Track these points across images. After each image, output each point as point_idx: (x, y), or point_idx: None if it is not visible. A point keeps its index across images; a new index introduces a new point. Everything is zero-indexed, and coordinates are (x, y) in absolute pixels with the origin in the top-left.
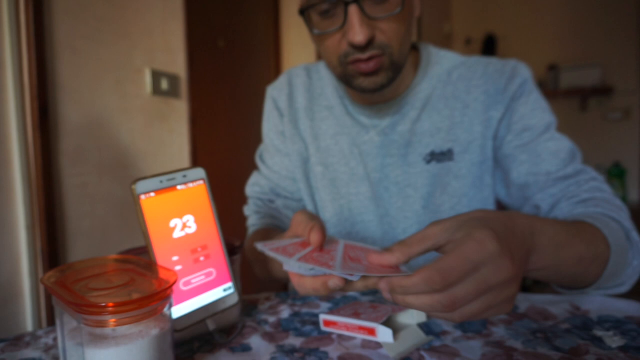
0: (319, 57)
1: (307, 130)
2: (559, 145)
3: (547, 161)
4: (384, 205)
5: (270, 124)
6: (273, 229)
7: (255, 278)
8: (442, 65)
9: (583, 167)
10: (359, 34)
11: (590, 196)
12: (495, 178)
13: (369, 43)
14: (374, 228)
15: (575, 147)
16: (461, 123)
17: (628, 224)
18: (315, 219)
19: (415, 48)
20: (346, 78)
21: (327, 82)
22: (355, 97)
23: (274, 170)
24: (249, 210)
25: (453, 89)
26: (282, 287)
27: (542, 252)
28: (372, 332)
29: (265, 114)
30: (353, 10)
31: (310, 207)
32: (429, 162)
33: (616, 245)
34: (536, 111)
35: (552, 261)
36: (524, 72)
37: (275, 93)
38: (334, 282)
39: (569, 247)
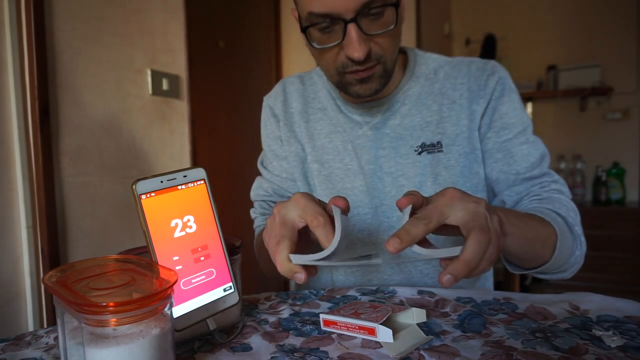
0: None
1: (303, 132)
2: (531, 149)
3: (518, 163)
4: (379, 196)
5: (268, 130)
6: None
7: (255, 278)
8: (429, 65)
9: (548, 171)
10: (357, 51)
11: (548, 196)
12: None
13: (367, 57)
14: (369, 220)
15: (546, 151)
16: (449, 117)
17: (571, 220)
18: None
19: (402, 51)
20: (342, 85)
21: (320, 87)
22: (348, 97)
23: (275, 174)
24: (255, 212)
25: (440, 86)
26: (282, 287)
27: (508, 220)
28: (372, 331)
29: (262, 122)
30: (352, 28)
31: None
32: (420, 153)
33: (560, 232)
34: (516, 111)
35: (518, 230)
36: (501, 71)
37: (270, 101)
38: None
39: (528, 224)
